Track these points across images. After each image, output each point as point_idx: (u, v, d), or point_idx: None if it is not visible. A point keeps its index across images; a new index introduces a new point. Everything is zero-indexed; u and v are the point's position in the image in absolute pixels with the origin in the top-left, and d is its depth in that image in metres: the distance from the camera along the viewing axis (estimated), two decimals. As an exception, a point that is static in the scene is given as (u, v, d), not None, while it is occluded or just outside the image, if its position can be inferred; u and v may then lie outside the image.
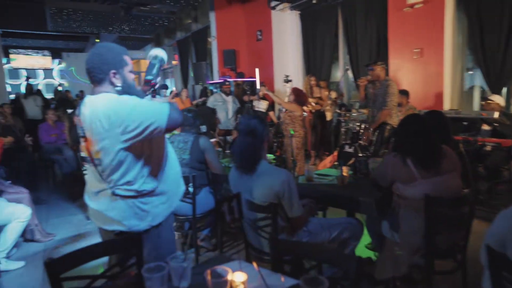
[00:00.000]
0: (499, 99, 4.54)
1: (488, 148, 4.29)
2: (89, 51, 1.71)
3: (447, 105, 5.67)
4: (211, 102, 6.31)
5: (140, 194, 1.68)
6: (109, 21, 10.17)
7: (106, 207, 1.72)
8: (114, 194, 1.67)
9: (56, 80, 18.13)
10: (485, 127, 4.41)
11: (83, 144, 1.72)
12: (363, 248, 3.11)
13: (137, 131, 1.55)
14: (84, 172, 4.01)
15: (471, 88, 6.16)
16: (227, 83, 6.55)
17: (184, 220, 3.12)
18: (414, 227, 2.28)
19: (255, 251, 2.37)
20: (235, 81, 8.49)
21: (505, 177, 4.47)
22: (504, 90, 5.25)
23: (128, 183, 1.65)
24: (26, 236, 3.57)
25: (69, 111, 6.15)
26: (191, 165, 3.05)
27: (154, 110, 1.59)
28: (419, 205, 2.22)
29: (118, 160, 1.60)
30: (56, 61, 17.98)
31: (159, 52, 1.83)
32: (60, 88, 12.42)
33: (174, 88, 12.30)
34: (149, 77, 1.79)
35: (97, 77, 1.65)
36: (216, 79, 9.65)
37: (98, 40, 13.58)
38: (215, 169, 3.10)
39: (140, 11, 9.35)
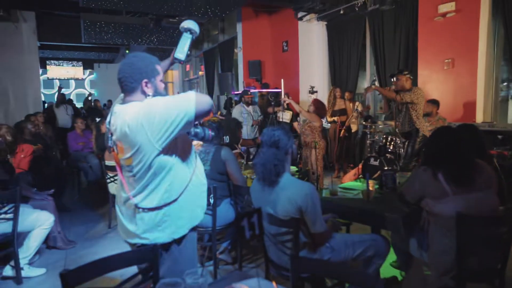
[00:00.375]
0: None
1: (527, 163, 4.05)
2: (121, 61, 1.71)
3: (480, 117, 5.43)
4: (236, 114, 6.29)
5: (163, 204, 1.65)
6: (138, 33, 10.44)
7: (128, 220, 1.72)
8: (137, 207, 1.66)
9: (87, 90, 18.78)
10: (523, 141, 4.17)
11: (112, 153, 1.73)
12: (388, 266, 2.96)
13: (165, 127, 1.52)
14: (108, 180, 4.04)
15: (507, 100, 5.87)
16: (249, 93, 6.54)
17: (203, 232, 3.07)
18: (445, 246, 2.14)
19: (275, 266, 2.29)
20: (259, 91, 8.49)
21: (545, 195, 4.21)
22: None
23: (153, 191, 1.64)
24: (49, 243, 3.61)
25: (98, 119, 6.29)
26: (212, 176, 3.01)
27: (179, 101, 1.55)
28: (450, 223, 2.09)
29: (148, 166, 1.59)
30: (87, 71, 18.66)
31: (192, 25, 1.79)
32: (89, 97, 12.81)
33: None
34: (180, 56, 1.78)
35: (129, 86, 1.64)
36: (241, 90, 9.69)
37: (128, 51, 14.02)
38: (237, 181, 3.05)
39: (168, 22, 9.56)
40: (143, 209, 1.65)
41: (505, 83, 5.80)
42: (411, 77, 4.65)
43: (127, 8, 8.04)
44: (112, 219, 4.30)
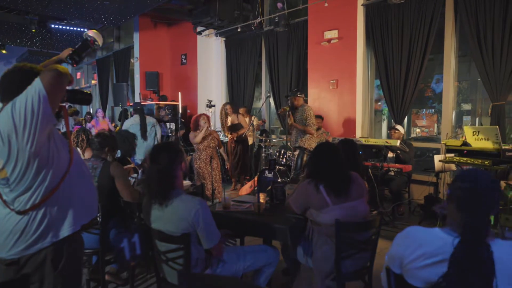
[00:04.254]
0: (400, 129, 5.03)
1: (392, 173, 4.69)
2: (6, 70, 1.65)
3: (359, 133, 6.11)
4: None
5: (40, 201, 1.56)
6: (17, 33, 9.29)
7: (10, 229, 1.57)
8: (18, 212, 1.55)
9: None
10: (390, 154, 4.83)
11: None
12: (279, 274, 3.11)
13: (23, 118, 1.46)
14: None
15: (382, 120, 6.76)
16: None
17: (91, 254, 2.84)
18: (326, 252, 2.34)
19: (167, 285, 2.23)
20: (156, 104, 8.28)
21: (405, 199, 4.96)
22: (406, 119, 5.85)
23: (35, 190, 1.55)
24: None
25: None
26: (100, 193, 2.81)
27: (26, 90, 1.49)
28: (330, 230, 2.29)
29: (25, 170, 1.51)
30: None
31: (96, 36, 1.94)
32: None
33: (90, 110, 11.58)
34: (76, 57, 1.89)
35: (6, 97, 1.56)
36: (138, 101, 9.32)
37: (4, 52, 12.39)
38: (127, 197, 2.90)
39: (56, 24, 8.75)
40: (22, 212, 1.55)
41: (379, 103, 6.66)
42: (303, 97, 5.16)
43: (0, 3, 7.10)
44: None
